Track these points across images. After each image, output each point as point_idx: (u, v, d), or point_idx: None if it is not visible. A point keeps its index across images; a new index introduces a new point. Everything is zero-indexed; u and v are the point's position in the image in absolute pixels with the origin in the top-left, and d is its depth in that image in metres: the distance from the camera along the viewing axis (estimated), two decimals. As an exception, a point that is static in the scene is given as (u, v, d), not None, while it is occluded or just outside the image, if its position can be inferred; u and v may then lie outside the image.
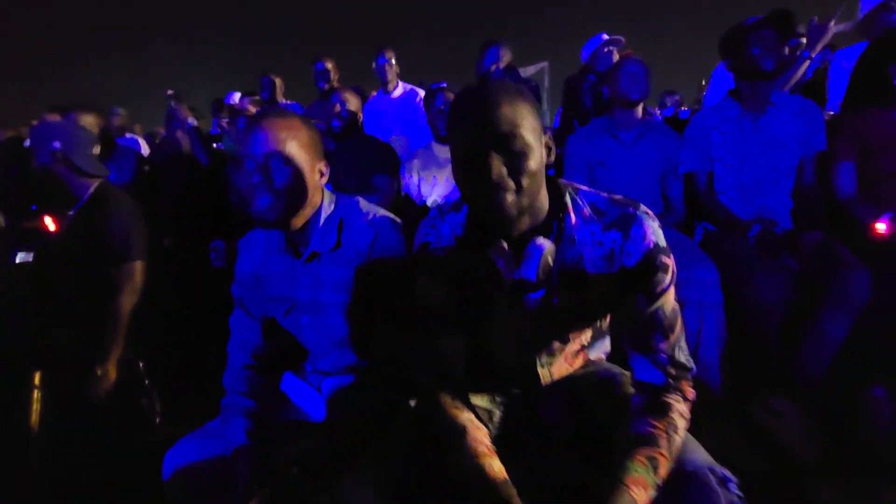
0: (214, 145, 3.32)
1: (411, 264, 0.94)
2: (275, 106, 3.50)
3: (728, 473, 0.78)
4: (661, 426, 0.80)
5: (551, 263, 0.83)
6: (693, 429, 0.86)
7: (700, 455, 0.81)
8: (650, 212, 0.87)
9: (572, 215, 0.86)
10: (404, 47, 3.25)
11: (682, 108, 4.69)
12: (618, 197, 0.88)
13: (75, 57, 10.89)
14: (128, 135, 4.30)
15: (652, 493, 0.76)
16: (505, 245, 0.82)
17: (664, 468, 0.77)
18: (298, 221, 1.05)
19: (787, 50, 2.28)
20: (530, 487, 0.96)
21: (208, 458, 0.99)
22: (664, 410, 0.81)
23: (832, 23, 2.16)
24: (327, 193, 1.11)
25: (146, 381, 1.64)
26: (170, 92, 2.82)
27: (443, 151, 2.22)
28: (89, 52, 11.03)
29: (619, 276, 0.85)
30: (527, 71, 5.02)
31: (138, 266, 1.70)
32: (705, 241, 1.97)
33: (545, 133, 0.82)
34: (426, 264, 0.90)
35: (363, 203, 1.12)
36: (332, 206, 1.09)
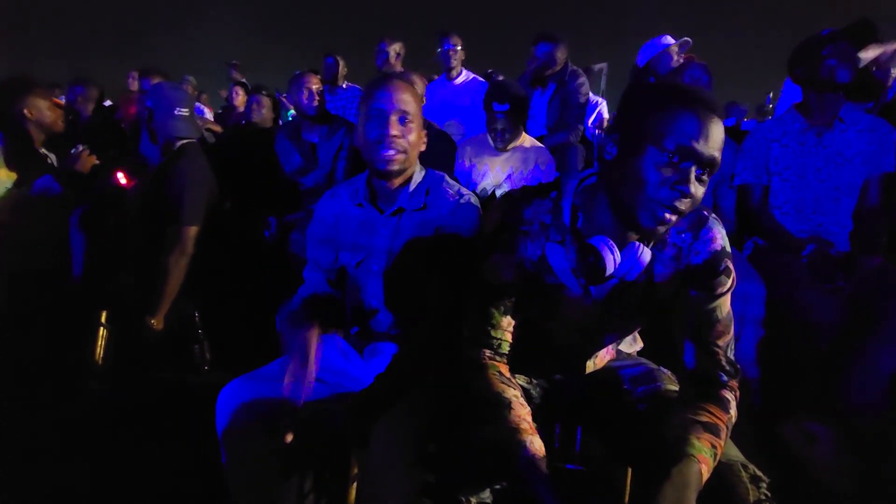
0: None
1: (487, 241, 0.95)
2: (337, 88, 3.59)
3: (760, 473, 0.79)
4: (723, 420, 0.80)
5: (649, 268, 0.86)
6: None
7: (734, 451, 0.83)
8: (719, 219, 0.89)
9: None
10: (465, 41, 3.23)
11: (745, 120, 4.52)
12: None
13: (146, 21, 11.43)
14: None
15: (707, 476, 0.76)
16: (611, 241, 0.83)
17: (717, 460, 0.78)
18: (399, 180, 1.15)
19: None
20: (556, 470, 1.00)
21: (262, 401, 1.06)
22: (725, 406, 0.82)
23: None
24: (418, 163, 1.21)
25: (199, 331, 1.76)
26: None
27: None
28: (154, 15, 11.53)
29: (684, 272, 0.88)
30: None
31: (191, 231, 1.77)
32: (754, 256, 1.93)
33: None
34: (503, 243, 0.91)
35: (449, 179, 1.21)
36: (423, 174, 1.19)
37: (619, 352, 1.10)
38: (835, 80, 1.72)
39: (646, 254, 0.83)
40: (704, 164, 0.74)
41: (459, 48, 3.14)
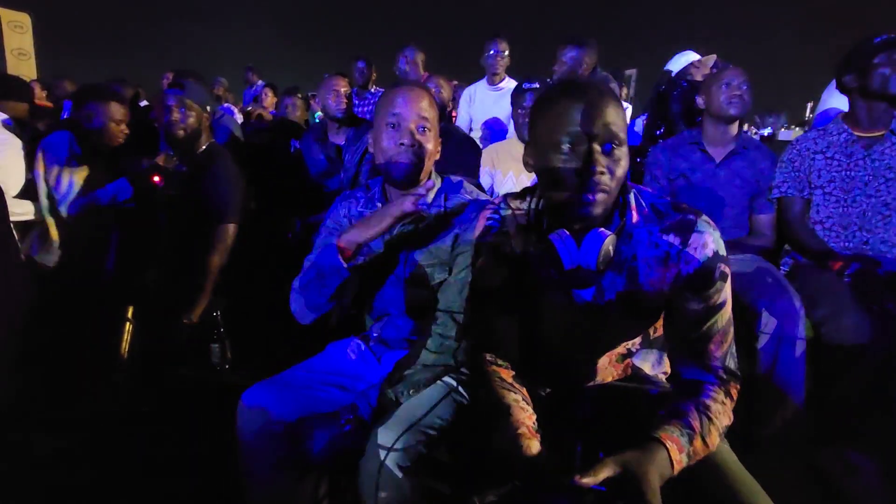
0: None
1: (477, 246, 0.96)
2: (366, 92, 3.60)
3: None
4: (694, 408, 0.81)
5: (612, 254, 0.83)
6: (755, 474, 0.83)
7: (762, 500, 0.77)
8: (711, 221, 0.85)
9: (634, 213, 0.86)
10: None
11: (783, 130, 4.35)
12: (681, 204, 0.88)
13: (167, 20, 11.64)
14: (224, 103, 4.66)
15: (685, 459, 0.75)
16: (567, 232, 0.83)
17: (697, 446, 0.77)
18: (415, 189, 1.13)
19: None
20: (579, 490, 0.96)
21: (283, 406, 1.06)
22: (698, 393, 0.83)
23: None
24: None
25: (221, 330, 1.76)
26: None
27: (522, 148, 2.20)
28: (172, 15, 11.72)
29: (674, 282, 0.85)
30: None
31: (232, 228, 1.81)
32: (792, 273, 1.83)
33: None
34: (486, 248, 0.93)
35: (467, 184, 1.19)
36: (439, 181, 1.18)
37: (635, 368, 1.04)
38: (888, 89, 1.63)
39: (606, 233, 0.82)
40: (602, 139, 0.77)
41: (506, 53, 3.09)
